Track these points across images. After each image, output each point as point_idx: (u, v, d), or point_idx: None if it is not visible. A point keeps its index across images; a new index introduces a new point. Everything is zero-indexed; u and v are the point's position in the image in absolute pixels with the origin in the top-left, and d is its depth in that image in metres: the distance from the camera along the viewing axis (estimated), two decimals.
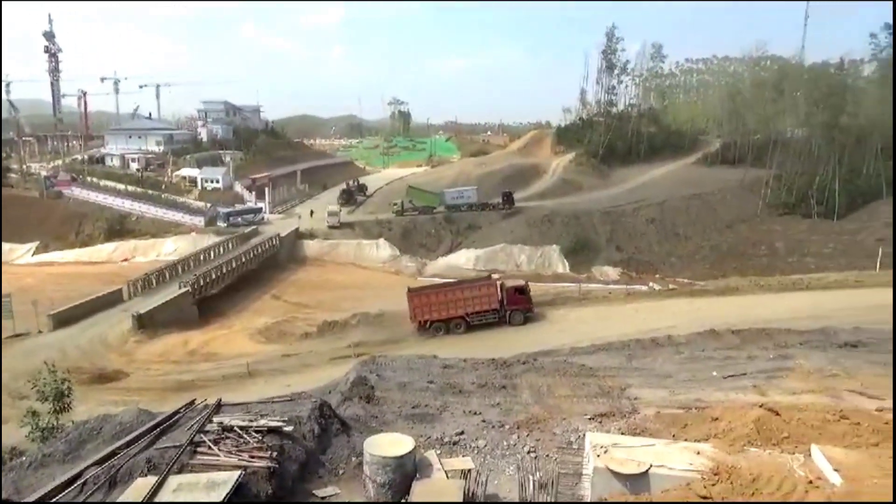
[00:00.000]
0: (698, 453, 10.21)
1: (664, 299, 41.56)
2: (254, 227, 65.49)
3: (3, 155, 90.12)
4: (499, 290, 37.47)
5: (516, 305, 37.32)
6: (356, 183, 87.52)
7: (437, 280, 54.83)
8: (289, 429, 10.94)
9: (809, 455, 10.03)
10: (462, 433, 13.39)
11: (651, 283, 51.94)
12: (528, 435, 13.36)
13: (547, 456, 12.41)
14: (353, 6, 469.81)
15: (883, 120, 78.82)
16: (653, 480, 9.62)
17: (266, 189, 78.25)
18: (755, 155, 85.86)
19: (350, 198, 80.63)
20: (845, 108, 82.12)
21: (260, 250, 56.09)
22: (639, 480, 9.64)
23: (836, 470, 9.22)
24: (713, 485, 9.25)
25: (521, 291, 37.88)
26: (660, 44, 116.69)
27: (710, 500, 8.97)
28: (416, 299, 36.74)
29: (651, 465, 9.72)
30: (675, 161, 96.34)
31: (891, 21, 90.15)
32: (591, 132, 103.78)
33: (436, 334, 36.15)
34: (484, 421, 14.17)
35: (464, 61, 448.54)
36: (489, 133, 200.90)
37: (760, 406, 12.70)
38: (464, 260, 60.08)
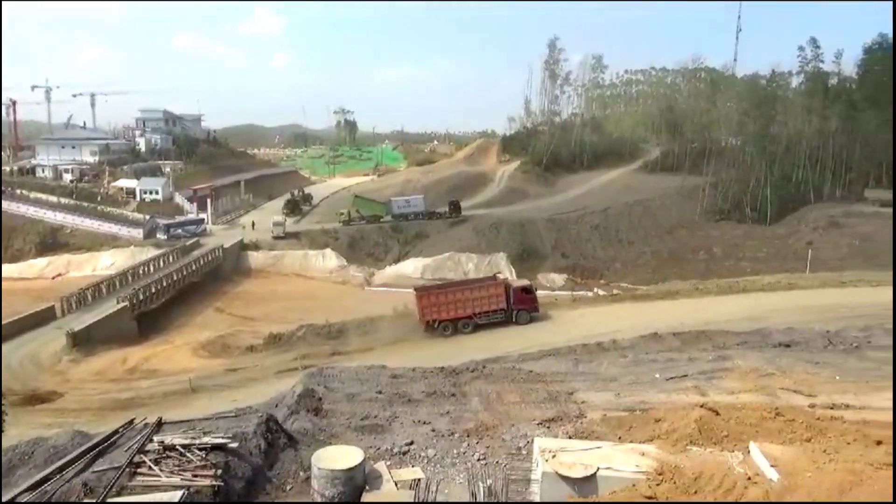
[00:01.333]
0: (643, 454, 10.45)
1: (609, 304, 42.44)
2: (196, 238, 63.81)
3: None
4: (506, 290, 37.90)
5: (523, 305, 37.84)
6: (302, 192, 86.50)
7: (386, 289, 54.73)
8: (234, 445, 10.68)
9: (748, 452, 10.38)
10: (412, 443, 13.32)
11: (596, 289, 53.00)
12: (477, 442, 13.39)
13: (496, 463, 12.46)
14: (295, 15, 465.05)
15: (809, 129, 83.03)
16: (600, 483, 9.79)
17: (208, 200, 76.40)
18: (692, 162, 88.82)
19: (295, 207, 79.59)
20: (775, 117, 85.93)
21: (202, 262, 54.71)
22: (586, 483, 9.79)
23: (773, 466, 9.57)
24: (658, 485, 9.48)
25: (528, 291, 38.60)
26: (600, 55, 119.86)
27: (654, 500, 9.18)
28: (425, 299, 36.99)
29: (598, 468, 9.89)
30: (618, 169, 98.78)
31: (813, 37, 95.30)
32: (536, 141, 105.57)
33: (444, 333, 36.51)
34: (433, 430, 14.14)
35: (410, 70, 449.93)
36: (436, 142, 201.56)
37: (701, 406, 13.08)
38: (412, 269, 59.98)
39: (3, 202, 72.08)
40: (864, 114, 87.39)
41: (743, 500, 9.00)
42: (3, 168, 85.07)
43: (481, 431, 13.99)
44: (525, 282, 40.31)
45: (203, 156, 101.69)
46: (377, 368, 20.25)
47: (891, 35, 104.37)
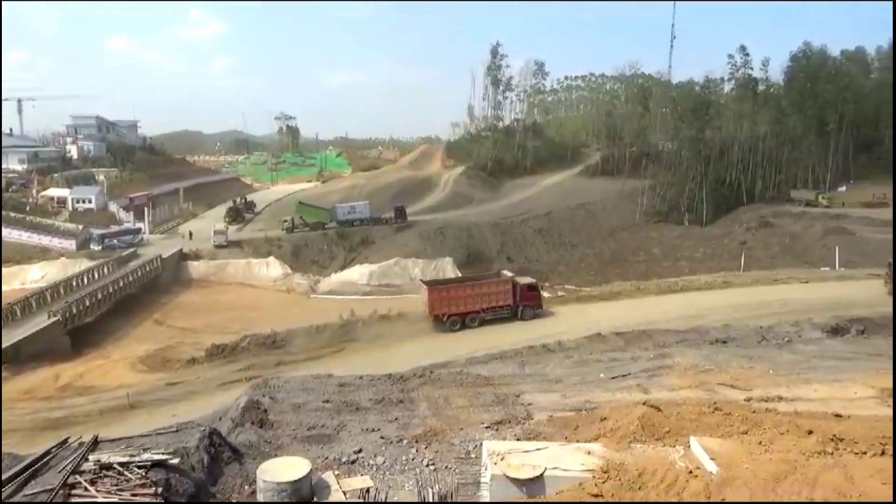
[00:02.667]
0: (589, 453, 10.64)
1: (554, 306, 43.01)
2: (133, 249, 61.61)
3: None
4: (513, 287, 38.68)
5: (528, 302, 38.72)
6: (244, 200, 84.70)
7: (332, 297, 54.14)
8: (175, 461, 10.36)
9: (689, 447, 10.69)
10: (360, 451, 13.22)
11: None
12: (426, 448, 13.38)
13: (446, 468, 12.48)
14: (235, 19, 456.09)
15: (740, 134, 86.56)
16: (548, 483, 9.92)
17: (146, 208, 73.99)
18: (632, 166, 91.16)
19: (237, 215, 77.86)
20: (709, 122, 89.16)
21: (140, 273, 52.84)
22: (534, 484, 9.90)
23: (712, 459, 9.89)
24: (603, 482, 9.67)
25: (533, 289, 39.41)
26: (542, 61, 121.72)
27: (600, 498, 9.36)
28: (436, 293, 37.62)
29: (545, 469, 10.01)
30: (560, 173, 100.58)
31: (743, 45, 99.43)
32: (480, 146, 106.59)
33: (452, 328, 37.15)
34: (382, 437, 14.07)
35: (353, 76, 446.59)
36: (380, 148, 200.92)
37: (644, 404, 13.43)
38: (358, 275, 59.50)
39: None
40: (791, 118, 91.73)
41: (684, 493, 9.26)
42: None
43: (430, 437, 13.99)
44: (531, 279, 41.21)
45: (139, 163, 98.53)
46: (324, 377, 20.01)
47: (815, 45, 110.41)
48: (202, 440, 11.87)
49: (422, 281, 40.76)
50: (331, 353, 35.05)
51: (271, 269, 60.65)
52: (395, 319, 39.64)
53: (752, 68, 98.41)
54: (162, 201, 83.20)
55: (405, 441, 13.82)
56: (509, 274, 42.08)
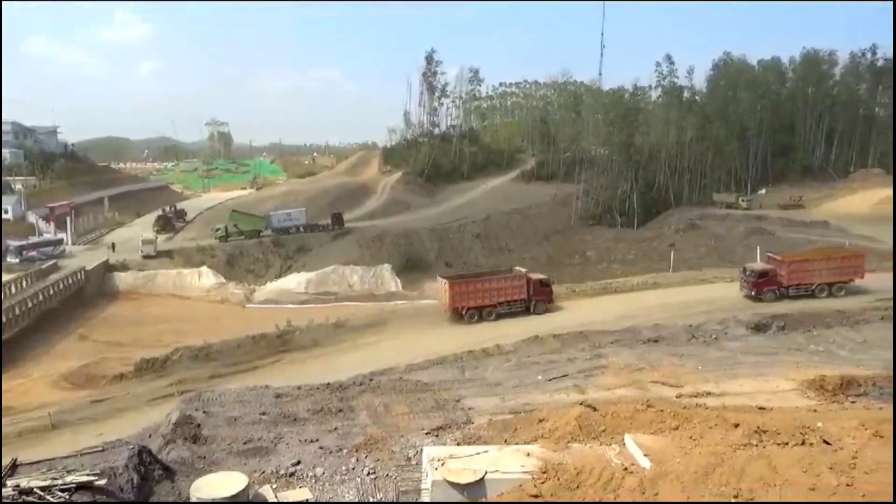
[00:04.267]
0: (528, 454, 10.77)
1: None
2: (54, 261, 58.65)
3: None
4: (527, 282, 40.87)
5: (540, 296, 41.14)
6: (173, 208, 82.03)
7: (268, 306, 53.01)
8: (101, 482, 9.91)
9: (624, 444, 10.98)
10: (298, 463, 12.98)
11: None
12: (366, 457, 13.26)
13: (387, 476, 12.40)
14: (162, 21, 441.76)
15: (667, 140, 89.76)
16: (488, 486, 9.98)
17: (67, 218, 70.59)
18: (566, 171, 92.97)
19: (167, 224, 75.30)
20: (638, 128, 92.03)
21: (62, 286, 50.33)
22: (475, 488, 9.95)
23: (646, 455, 10.18)
24: (542, 483, 9.81)
25: (545, 284, 41.89)
26: (477, 68, 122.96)
27: (540, 498, 9.49)
28: (456, 287, 39.72)
29: (486, 472, 10.08)
30: (496, 178, 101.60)
31: (669, 54, 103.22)
32: (417, 152, 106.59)
33: (470, 320, 39.34)
34: (321, 448, 13.86)
35: (288, 81, 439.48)
36: (315, 154, 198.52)
37: (580, 404, 13.71)
38: (294, 283, 58.48)
39: None
40: (714, 124, 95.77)
41: (620, 489, 9.49)
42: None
43: (370, 445, 13.87)
44: (542, 275, 43.47)
45: (60, 171, 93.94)
46: (260, 389, 19.55)
47: (734, 55, 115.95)
48: (131, 459, 11.41)
49: (440, 276, 43.37)
50: (267, 364, 34.35)
51: (204, 279, 58.89)
52: (334, 328, 39.22)
53: (677, 76, 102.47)
54: (85, 211, 79.62)
55: (345, 451, 13.66)
56: (522, 270, 44.01)
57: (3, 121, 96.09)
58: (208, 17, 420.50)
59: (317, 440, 14.41)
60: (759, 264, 42.83)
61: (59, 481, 9.64)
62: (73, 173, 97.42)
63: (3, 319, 41.41)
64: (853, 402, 16.58)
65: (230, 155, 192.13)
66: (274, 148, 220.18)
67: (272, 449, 14.01)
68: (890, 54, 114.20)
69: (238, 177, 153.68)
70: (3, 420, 29.04)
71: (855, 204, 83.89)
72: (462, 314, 39.80)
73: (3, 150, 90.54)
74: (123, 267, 59.06)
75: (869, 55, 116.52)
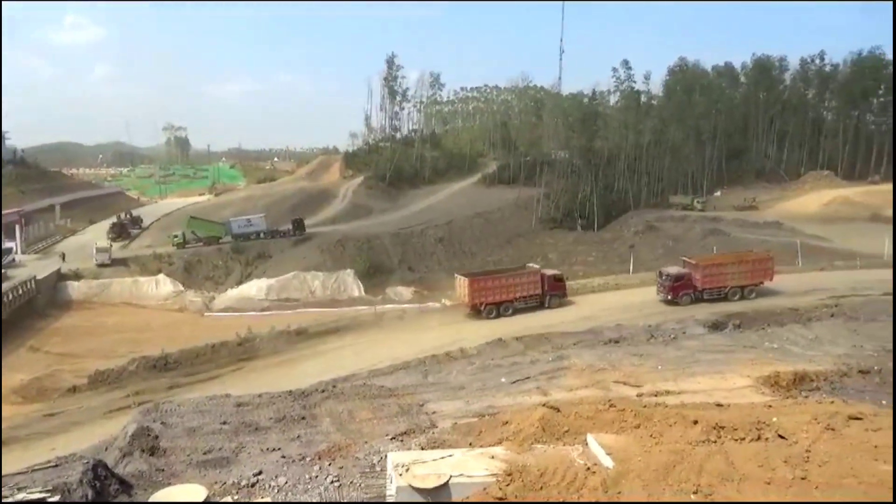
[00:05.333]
0: (493, 457, 10.78)
1: (455, 314, 43.54)
2: (2, 271, 56.69)
3: None
4: (541, 277, 42.56)
5: (555, 291, 42.79)
6: (129, 215, 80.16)
7: (229, 314, 52.16)
8: (54, 499, 9.58)
9: (586, 444, 11.09)
10: (260, 473, 12.76)
11: (443, 300, 54.10)
12: (330, 464, 13.11)
13: (351, 483, 12.28)
14: (117, 24, 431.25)
15: (626, 143, 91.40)
16: (453, 490, 9.96)
17: (16, 226, 68.31)
18: (527, 175, 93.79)
19: (122, 231, 73.53)
20: (597, 132, 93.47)
21: (10, 297, 48.59)
22: (440, 492, 9.92)
23: (608, 454, 10.29)
24: (507, 485, 9.83)
25: (559, 280, 43.63)
26: (438, 73, 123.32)
27: (505, 500, 9.51)
28: (475, 284, 41.22)
29: (451, 476, 10.05)
30: (458, 182, 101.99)
31: (626, 59, 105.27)
32: (378, 156, 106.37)
33: (488, 316, 40.80)
34: (283, 457, 13.65)
35: (246, 86, 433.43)
36: (276, 159, 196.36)
37: (543, 405, 13.79)
38: (255, 290, 57.66)
39: None
40: (671, 128, 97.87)
41: (584, 488, 9.58)
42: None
43: (334, 452, 13.72)
44: (556, 271, 45.66)
45: (9, 178, 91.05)
46: (220, 398, 19.16)
47: (689, 60, 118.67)
48: (85, 474, 11.05)
49: (458, 274, 44.66)
50: (228, 373, 33.81)
51: (161, 287, 57.65)
52: (296, 334, 38.81)
53: (634, 81, 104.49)
54: (36, 218, 77.23)
55: (308, 459, 13.48)
56: (536, 266, 45.94)
57: None
58: (163, 20, 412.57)
59: (279, 449, 14.20)
60: (674, 268, 43.16)
61: (9, 500, 9.30)
62: (23, 180, 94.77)
63: None
64: (806, 398, 17.08)
65: (188, 160, 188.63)
66: (233, 153, 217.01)
67: (233, 459, 13.75)
68: (836, 60, 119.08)
69: (196, 182, 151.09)
70: None
71: (806, 205, 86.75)
72: (480, 310, 41.18)
73: None
74: (77, 276, 57.42)
75: (818, 61, 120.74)
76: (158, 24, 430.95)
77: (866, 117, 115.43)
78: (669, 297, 40.68)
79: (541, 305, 42.26)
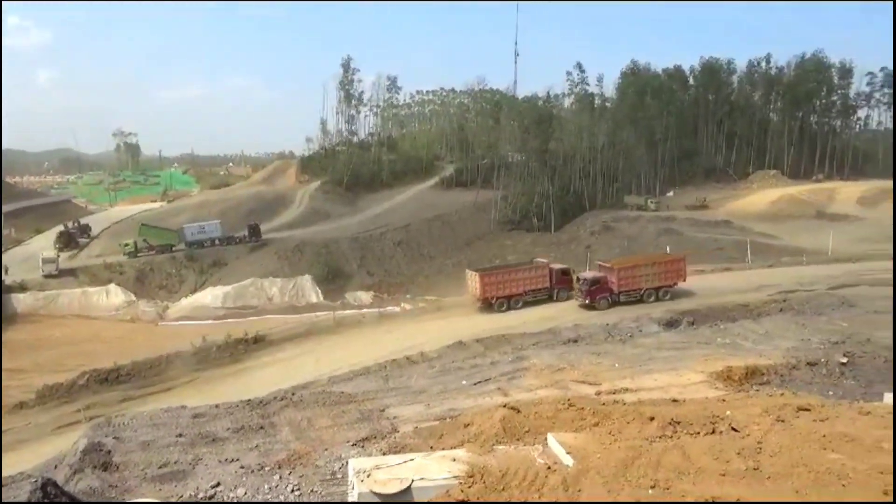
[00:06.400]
0: (454, 460, 10.77)
1: (415, 317, 43.52)
2: None
3: None
4: (549, 272, 43.93)
5: (562, 285, 43.89)
6: (77, 223, 77.65)
7: (183, 323, 51.05)
8: None
9: (547, 443, 11.18)
10: (218, 485, 12.50)
11: (402, 304, 54.01)
12: (290, 473, 12.93)
13: (312, 491, 12.14)
14: (62, 27, 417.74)
15: (581, 145, 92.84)
16: (415, 494, 9.92)
17: None
18: (484, 177, 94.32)
19: (70, 241, 71.10)
20: (553, 134, 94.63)
21: None
22: (402, 497, 9.87)
23: (568, 453, 10.39)
24: (469, 487, 9.85)
25: (566, 273, 44.71)
26: (394, 76, 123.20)
27: (467, 502, 9.52)
28: (487, 278, 42.52)
29: (412, 480, 10.02)
30: (416, 186, 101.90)
31: (579, 62, 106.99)
32: (335, 161, 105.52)
33: (500, 309, 42.05)
34: (242, 467, 13.40)
35: (199, 90, 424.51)
36: (230, 164, 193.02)
37: (504, 406, 13.87)
38: (210, 298, 56.55)
39: None
40: (624, 130, 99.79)
41: (544, 487, 9.65)
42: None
43: (293, 461, 13.54)
44: (564, 265, 46.72)
45: None
46: (176, 410, 18.70)
47: (641, 63, 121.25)
48: (34, 493, 10.62)
49: (469, 269, 46.43)
50: (183, 384, 33.02)
51: (112, 297, 56.08)
52: (254, 342, 38.17)
53: (588, 84, 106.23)
54: None
55: (267, 468, 13.26)
56: (544, 261, 47.02)
57: None
58: (112, 23, 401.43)
59: (237, 459, 13.92)
60: (591, 273, 43.38)
61: None
62: None
63: None
64: (757, 391, 17.59)
65: (138, 166, 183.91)
66: (186, 158, 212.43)
67: (190, 472, 13.43)
68: (780, 63, 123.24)
69: (148, 189, 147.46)
70: None
71: (754, 203, 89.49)
72: (492, 303, 42.41)
73: None
74: (22, 288, 55.37)
75: (764, 64, 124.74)
76: (107, 28, 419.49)
77: (810, 118, 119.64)
78: (587, 302, 40.48)
79: (550, 298, 43.54)
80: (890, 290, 37.46)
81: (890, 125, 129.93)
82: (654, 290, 41.52)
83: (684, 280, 42.77)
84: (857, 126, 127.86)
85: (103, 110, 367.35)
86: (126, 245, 65.50)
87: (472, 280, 43.97)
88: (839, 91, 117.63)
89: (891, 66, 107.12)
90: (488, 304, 42.65)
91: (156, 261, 63.91)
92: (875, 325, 28.09)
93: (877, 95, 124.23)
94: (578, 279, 42.66)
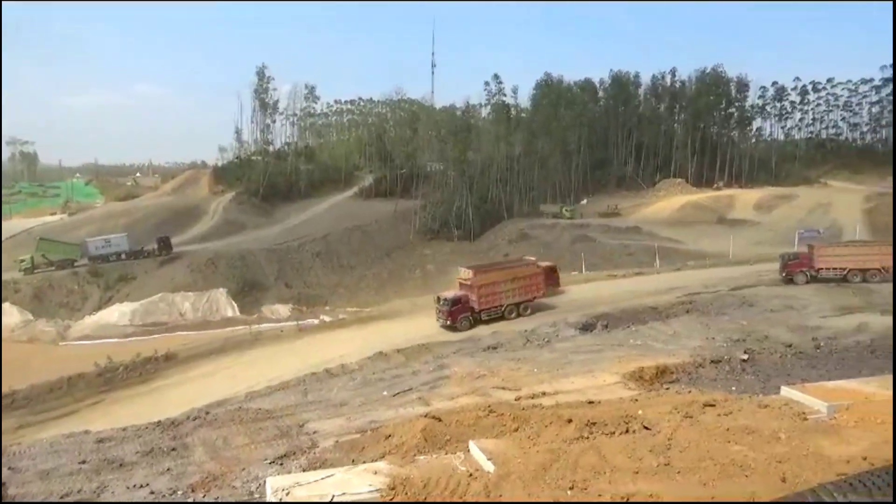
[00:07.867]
0: (376, 472, 10.64)
1: (335, 330, 42.87)
2: None
3: None
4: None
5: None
6: None
7: (87, 342, 48.25)
8: None
9: (468, 451, 11.25)
10: None
11: (322, 316, 53.09)
12: (204, 496, 12.43)
13: None
14: None
15: (498, 155, 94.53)
16: None
17: None
18: (403, 187, 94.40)
19: None
20: (470, 144, 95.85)
21: None
22: None
23: (489, 459, 10.49)
24: (391, 499, 9.77)
25: (553, 270, 46.63)
26: (313, 85, 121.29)
27: None
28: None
29: (333, 496, 9.82)
30: (334, 196, 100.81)
31: (496, 73, 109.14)
32: (250, 170, 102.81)
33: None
34: (152, 492, 12.78)
35: (102, 97, 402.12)
36: (138, 174, 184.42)
37: (425, 416, 13.87)
38: (117, 315, 53.70)
39: None
40: (540, 140, 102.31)
41: (467, 494, 9.69)
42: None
43: (208, 483, 13.03)
44: (550, 263, 48.00)
45: None
46: (79, 435, 17.65)
47: (554, 76, 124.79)
48: None
49: (461, 268, 44.43)
50: (87, 407, 31.05)
51: (6, 317, 52.41)
52: (164, 360, 36.48)
53: (505, 95, 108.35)
54: None
55: (179, 492, 12.69)
56: (532, 258, 47.49)
57: None
58: (6, 24, 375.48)
59: (147, 485, 13.25)
60: (451, 292, 40.64)
61: None
62: None
63: None
64: (667, 389, 18.40)
65: (35, 177, 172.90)
66: (89, 168, 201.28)
67: (94, 501, 12.68)
68: (683, 77, 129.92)
69: (46, 201, 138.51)
70: None
71: (661, 210, 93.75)
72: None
73: None
74: None
75: (669, 77, 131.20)
76: None
77: (710, 129, 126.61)
78: (448, 323, 38.17)
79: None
80: (782, 290, 40.23)
81: (780, 136, 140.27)
82: (516, 306, 40.11)
83: (543, 294, 42.16)
84: (753, 137, 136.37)
85: None
86: (22, 261, 61.41)
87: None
88: (736, 104, 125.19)
89: (890, 67, 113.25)
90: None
91: (55, 277, 60.20)
92: (771, 323, 30.07)
93: (768, 108, 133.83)
94: (439, 299, 40.03)
